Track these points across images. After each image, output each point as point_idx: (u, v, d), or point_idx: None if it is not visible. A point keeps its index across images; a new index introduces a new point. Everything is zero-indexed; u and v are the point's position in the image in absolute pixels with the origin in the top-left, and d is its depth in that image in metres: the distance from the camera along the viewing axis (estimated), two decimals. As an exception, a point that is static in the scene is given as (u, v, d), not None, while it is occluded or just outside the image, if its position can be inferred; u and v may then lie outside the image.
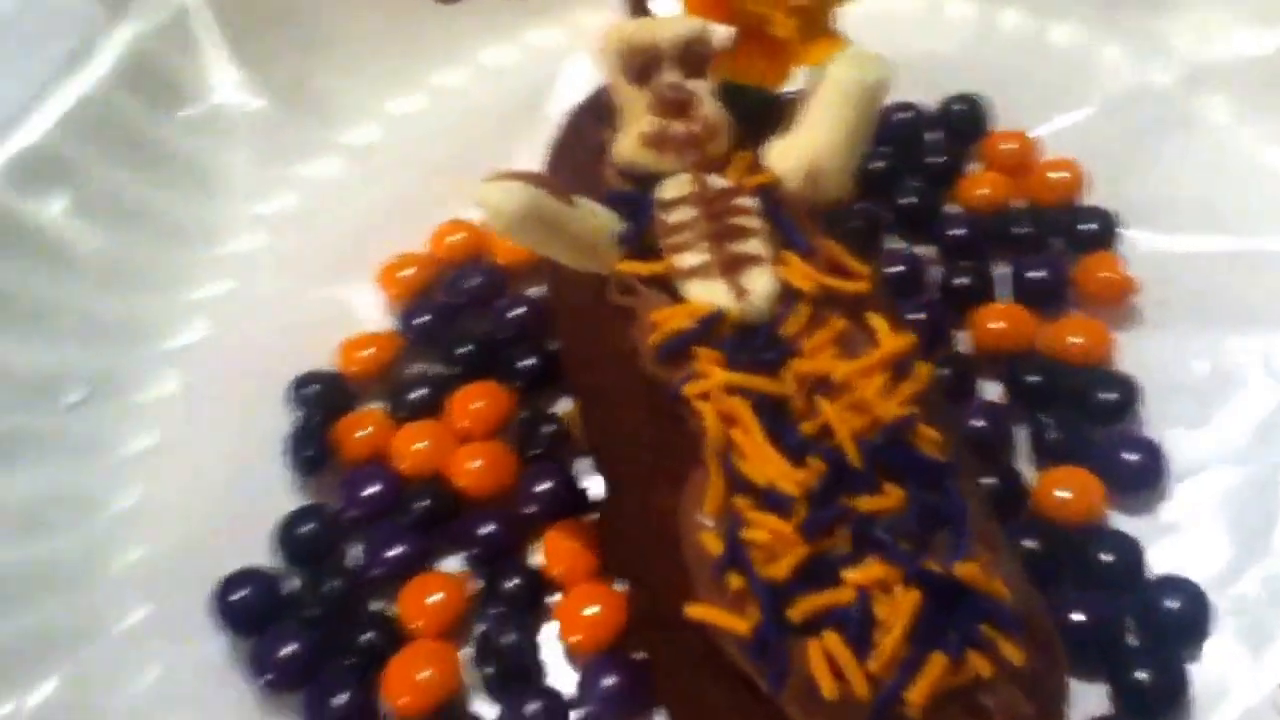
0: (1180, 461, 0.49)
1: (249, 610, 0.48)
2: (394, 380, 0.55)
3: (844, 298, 0.43)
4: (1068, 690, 0.39)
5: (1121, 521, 0.48)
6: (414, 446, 0.51)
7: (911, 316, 0.52)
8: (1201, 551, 0.47)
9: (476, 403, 0.53)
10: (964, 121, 0.62)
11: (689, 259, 0.43)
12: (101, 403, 0.55)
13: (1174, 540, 0.48)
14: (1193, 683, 0.43)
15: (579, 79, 0.61)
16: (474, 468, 0.50)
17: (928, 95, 0.63)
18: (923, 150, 0.61)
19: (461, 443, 0.52)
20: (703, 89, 0.46)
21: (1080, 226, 0.57)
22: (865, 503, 0.38)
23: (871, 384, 0.40)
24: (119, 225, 0.60)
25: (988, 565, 0.37)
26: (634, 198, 0.45)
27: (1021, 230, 0.56)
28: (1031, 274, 0.54)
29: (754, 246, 0.43)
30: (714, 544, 0.38)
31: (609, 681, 0.45)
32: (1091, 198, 0.59)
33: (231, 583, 0.48)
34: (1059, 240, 0.57)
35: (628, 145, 0.46)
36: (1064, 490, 0.48)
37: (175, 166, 0.63)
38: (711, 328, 0.41)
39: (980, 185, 0.59)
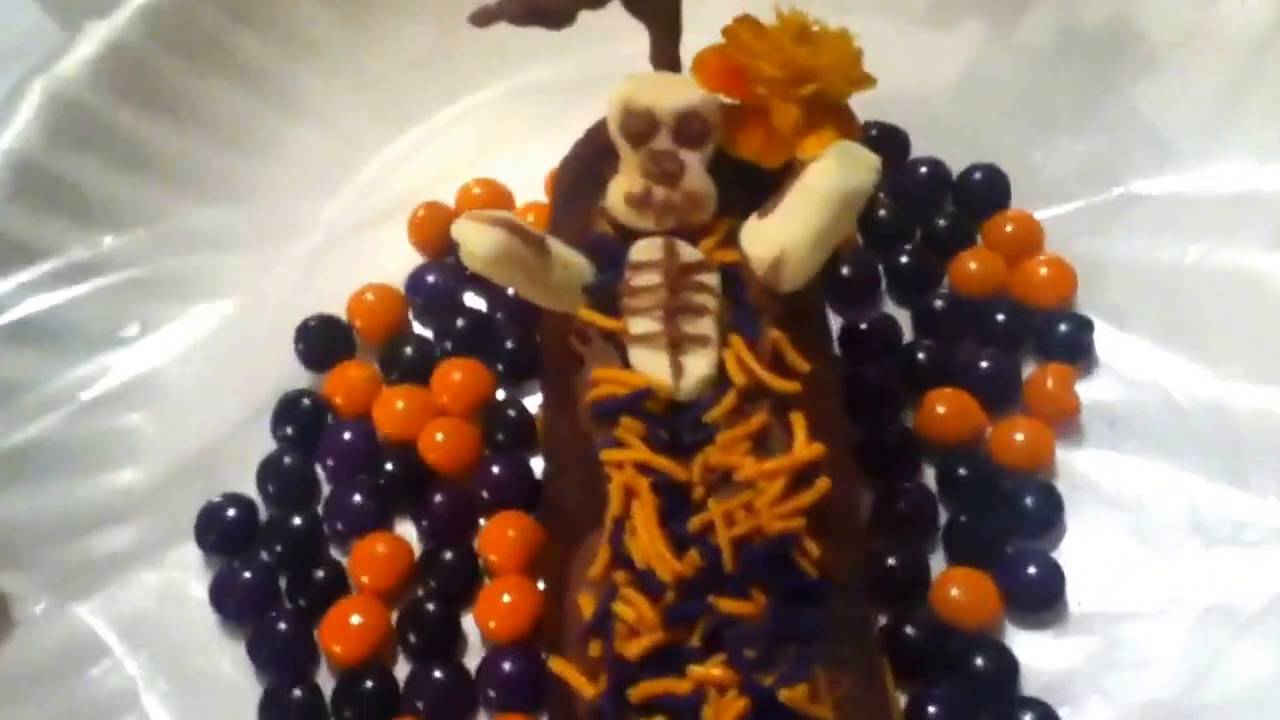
0: (1084, 590, 0.51)
1: (227, 533, 0.54)
2: (393, 339, 0.59)
3: (774, 392, 0.45)
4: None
5: (1013, 634, 0.51)
6: (393, 410, 0.56)
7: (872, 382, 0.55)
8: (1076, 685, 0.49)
9: (457, 375, 0.57)
10: (981, 192, 0.61)
11: (641, 325, 0.46)
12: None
13: (1055, 662, 0.50)
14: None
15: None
16: (439, 442, 0.55)
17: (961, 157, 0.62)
18: (938, 212, 0.61)
19: (438, 415, 0.56)
20: (693, 160, 0.48)
21: (1057, 331, 0.57)
22: (727, 605, 0.41)
23: (770, 489, 0.43)
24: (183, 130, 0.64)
25: (822, 690, 0.41)
26: (614, 250, 0.48)
27: (999, 321, 0.57)
28: (985, 366, 0.55)
29: (704, 327, 0.46)
30: (588, 607, 0.42)
31: (507, 669, 0.50)
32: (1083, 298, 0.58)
33: (217, 504, 0.54)
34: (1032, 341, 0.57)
35: (614, 197, 0.49)
36: (960, 591, 0.50)
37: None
38: (641, 400, 0.45)
39: (973, 261, 0.59)
